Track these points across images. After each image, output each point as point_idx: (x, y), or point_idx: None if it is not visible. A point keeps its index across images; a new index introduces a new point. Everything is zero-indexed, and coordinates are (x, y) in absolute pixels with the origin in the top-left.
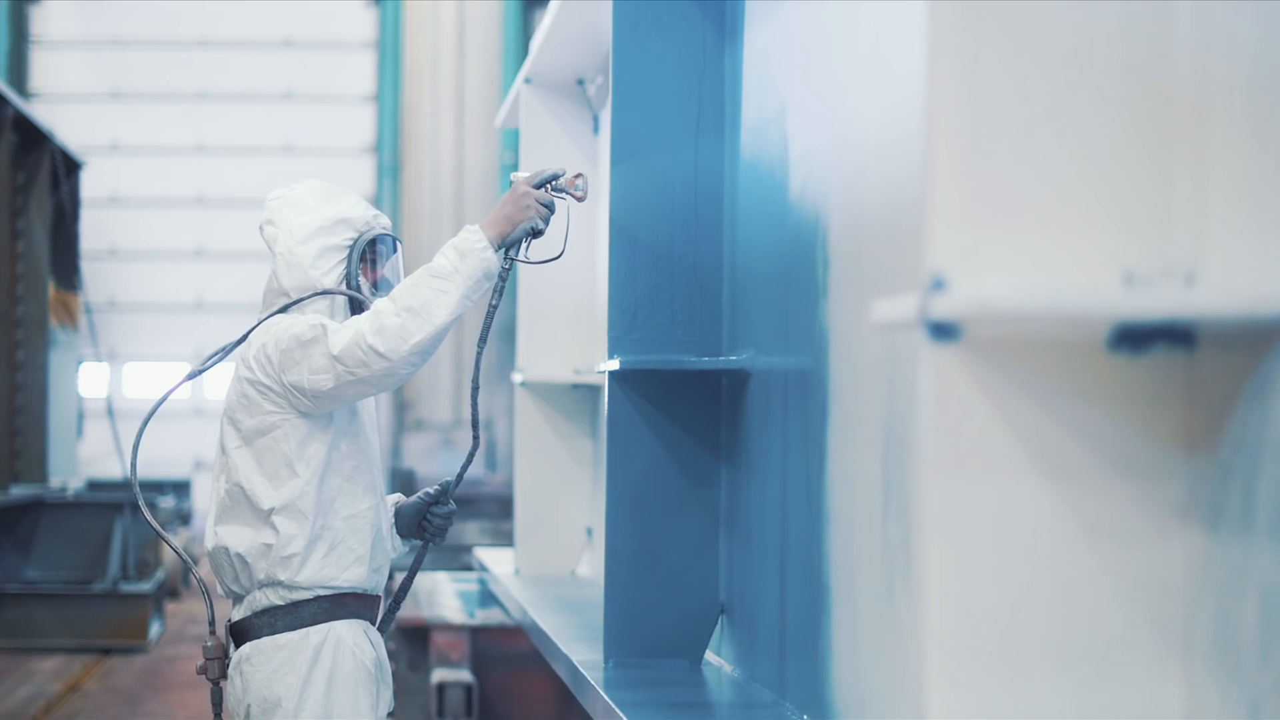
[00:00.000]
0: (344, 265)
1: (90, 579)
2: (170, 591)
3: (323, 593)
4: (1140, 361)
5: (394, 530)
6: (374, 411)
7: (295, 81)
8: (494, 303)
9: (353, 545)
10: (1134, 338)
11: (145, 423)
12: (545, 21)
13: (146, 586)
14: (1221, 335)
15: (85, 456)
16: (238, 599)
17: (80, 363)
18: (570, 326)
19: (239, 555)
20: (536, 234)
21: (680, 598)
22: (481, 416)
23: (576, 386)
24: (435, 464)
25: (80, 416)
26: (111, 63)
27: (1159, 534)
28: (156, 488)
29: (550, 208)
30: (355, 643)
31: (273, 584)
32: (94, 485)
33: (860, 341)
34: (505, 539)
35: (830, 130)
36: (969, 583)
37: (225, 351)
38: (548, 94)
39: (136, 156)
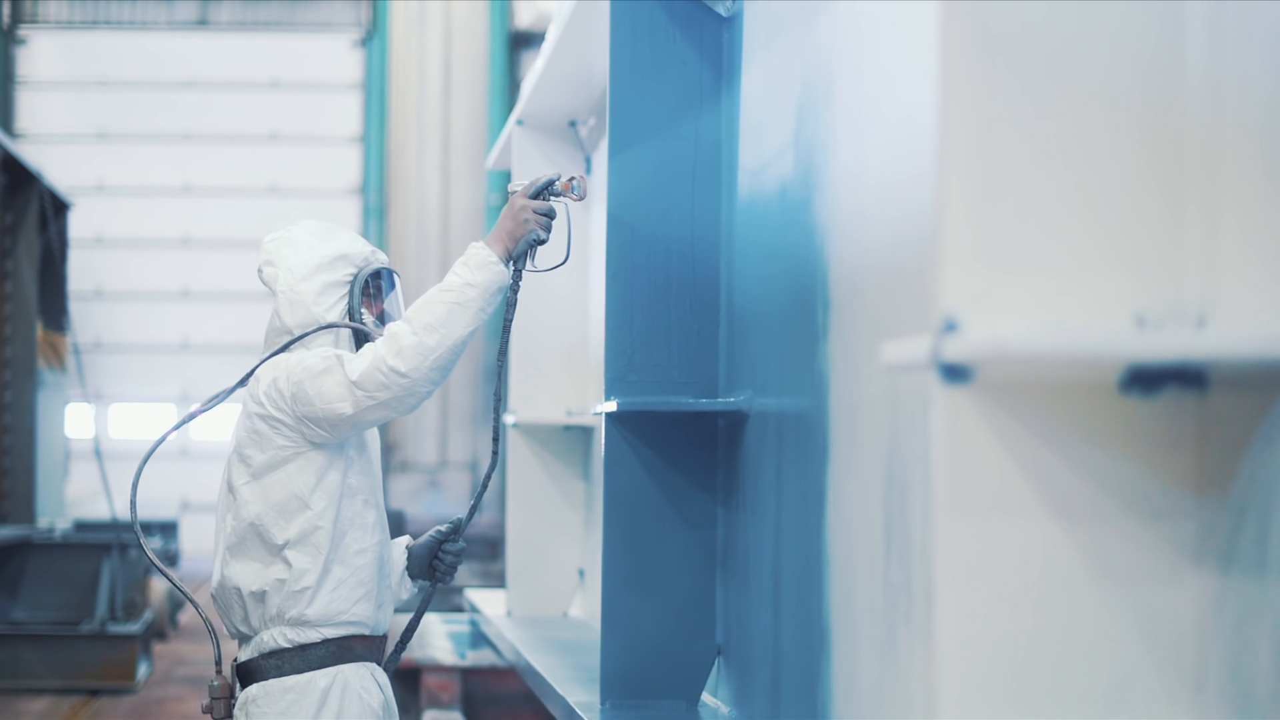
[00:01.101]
0: (346, 300)
1: (78, 620)
2: (158, 633)
3: (330, 633)
4: (1152, 403)
5: (405, 572)
6: (378, 451)
7: (281, 123)
8: (509, 317)
9: (362, 580)
10: (1146, 380)
11: (144, 463)
12: (538, 64)
13: (134, 628)
14: (1233, 377)
15: (72, 497)
16: (244, 639)
17: (66, 403)
18: (562, 368)
19: (251, 593)
20: (540, 243)
21: (677, 638)
22: (466, 458)
23: (568, 428)
24: (422, 505)
25: (66, 457)
26: (97, 104)
27: (1171, 575)
28: (144, 528)
29: (550, 215)
30: (363, 686)
31: (282, 622)
32: (81, 526)
33: (861, 383)
34: (494, 580)
35: (829, 172)
36: (981, 623)
37: (228, 392)
38: (540, 135)
39: (123, 197)
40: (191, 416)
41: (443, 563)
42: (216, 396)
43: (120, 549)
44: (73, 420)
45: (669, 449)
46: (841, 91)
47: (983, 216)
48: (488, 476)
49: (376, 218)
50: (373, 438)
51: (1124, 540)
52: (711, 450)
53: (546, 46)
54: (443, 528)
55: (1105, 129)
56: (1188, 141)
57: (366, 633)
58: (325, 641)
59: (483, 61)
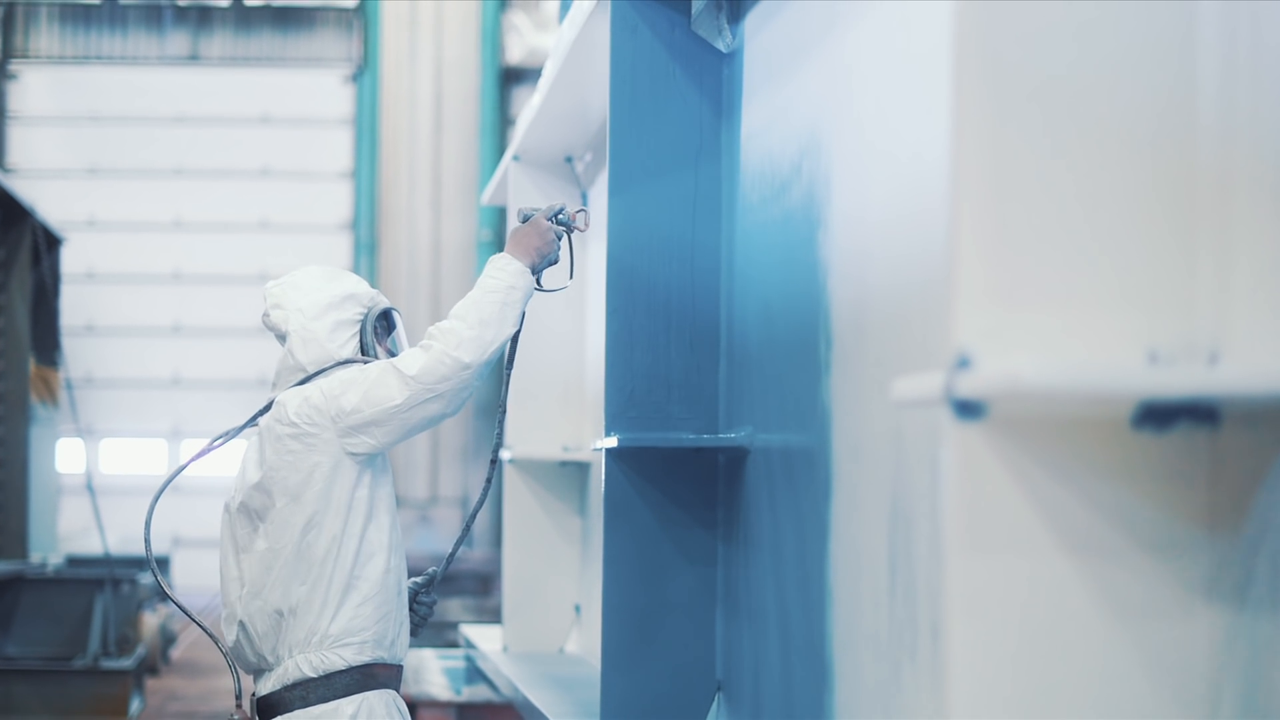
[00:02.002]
0: (358, 338)
1: (71, 655)
2: (150, 668)
3: (353, 658)
4: (1164, 439)
5: None
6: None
7: (272, 158)
8: (517, 330)
9: (385, 599)
10: (1158, 416)
11: (156, 498)
12: (535, 99)
13: (127, 663)
14: (1245, 413)
15: (63, 532)
16: (264, 672)
17: (58, 439)
18: (558, 404)
19: (283, 611)
20: (553, 264)
21: (677, 674)
22: (457, 493)
23: (564, 464)
24: (413, 540)
25: (57, 492)
26: (89, 139)
27: (1184, 611)
28: (135, 564)
29: (560, 239)
30: (388, 713)
31: (307, 647)
32: (73, 561)
33: (865, 418)
34: (487, 615)
35: (832, 208)
36: (994, 659)
37: (241, 428)
38: (536, 171)
39: (114, 232)
40: (205, 451)
41: (416, 614)
42: (230, 432)
43: (113, 584)
44: (64, 455)
45: (669, 485)
46: (844, 129)
47: (995, 252)
48: (485, 488)
49: (367, 253)
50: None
51: (1136, 576)
52: (712, 486)
53: (544, 82)
54: (419, 579)
55: (1117, 166)
56: (1200, 178)
57: (387, 659)
58: (349, 669)
59: (473, 97)
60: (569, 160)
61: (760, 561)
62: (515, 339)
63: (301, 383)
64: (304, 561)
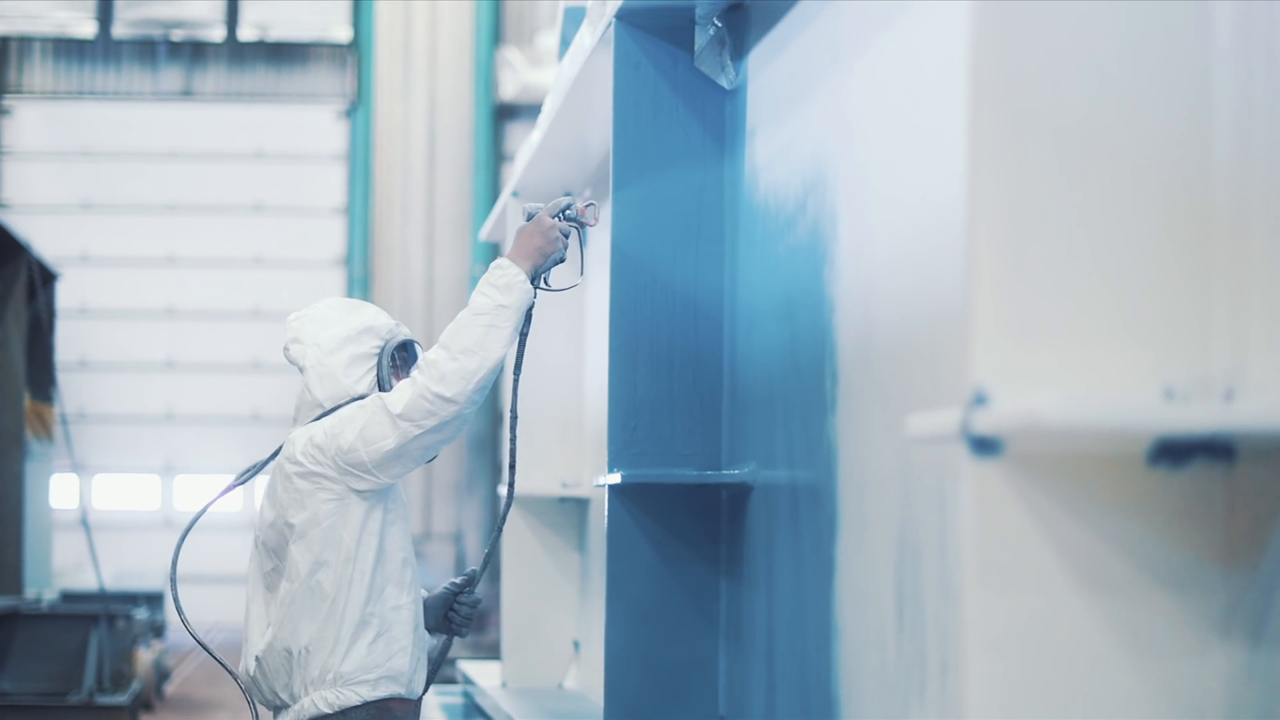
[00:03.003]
0: (374, 372)
1: (66, 690)
2: (145, 704)
3: (369, 694)
4: (1180, 475)
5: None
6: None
7: (266, 194)
8: (524, 331)
9: (398, 635)
10: (1174, 452)
11: (185, 533)
12: (534, 136)
13: (122, 699)
14: (1261, 449)
15: (57, 568)
16: (281, 709)
17: (52, 474)
18: (557, 440)
19: (299, 650)
20: (560, 262)
21: (679, 710)
22: (451, 529)
23: (563, 500)
24: None
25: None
26: (82, 174)
27: (1200, 647)
28: (129, 599)
29: (567, 236)
30: None
31: (323, 684)
32: (68, 596)
33: (871, 455)
34: (483, 651)
35: (837, 246)
36: (1011, 696)
37: (263, 464)
38: None
39: (107, 268)
40: (231, 487)
41: (458, 614)
42: (253, 467)
43: (108, 619)
44: (58, 491)
45: (672, 521)
46: (850, 166)
47: (1011, 289)
48: (506, 507)
49: (361, 289)
50: (405, 507)
51: (1153, 612)
52: (715, 522)
53: (543, 118)
54: (457, 580)
55: (1133, 203)
56: (1215, 215)
57: (404, 694)
58: (365, 705)
59: (467, 133)
60: (568, 196)
61: (764, 597)
62: (523, 341)
63: (318, 418)
64: (314, 599)
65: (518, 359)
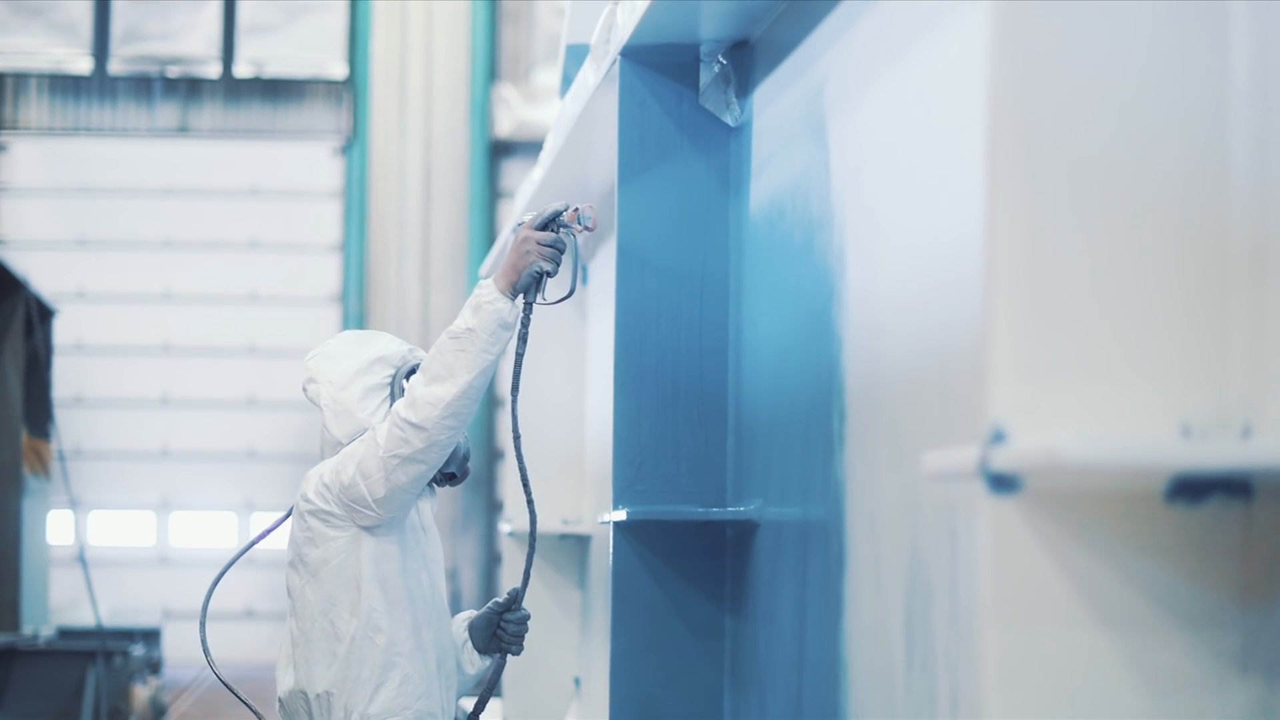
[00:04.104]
0: (388, 402)
1: None
2: None
3: None
4: (1197, 513)
5: (469, 647)
6: (439, 550)
7: (261, 230)
8: (520, 350)
9: (423, 675)
10: (1191, 489)
11: (221, 575)
12: (536, 173)
13: None
14: (1278, 487)
15: (53, 604)
16: None
17: (49, 510)
18: (558, 477)
19: (318, 695)
20: (547, 275)
21: None
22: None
23: (564, 537)
24: None
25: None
26: (78, 210)
27: (1217, 685)
28: (126, 635)
29: (558, 246)
30: None
31: None
32: (65, 633)
33: (880, 492)
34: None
35: (845, 282)
36: None
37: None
38: None
39: (103, 304)
40: (272, 528)
41: (506, 632)
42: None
43: (105, 656)
44: (55, 527)
45: (676, 558)
46: (858, 204)
47: (1029, 326)
48: (531, 541)
49: (356, 326)
50: (432, 536)
51: (1170, 650)
52: (719, 559)
53: (545, 155)
54: (500, 599)
55: (1149, 239)
56: (1232, 251)
57: None
58: None
59: (463, 170)
60: (569, 233)
61: (770, 634)
62: (519, 360)
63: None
64: (329, 641)
65: (515, 378)
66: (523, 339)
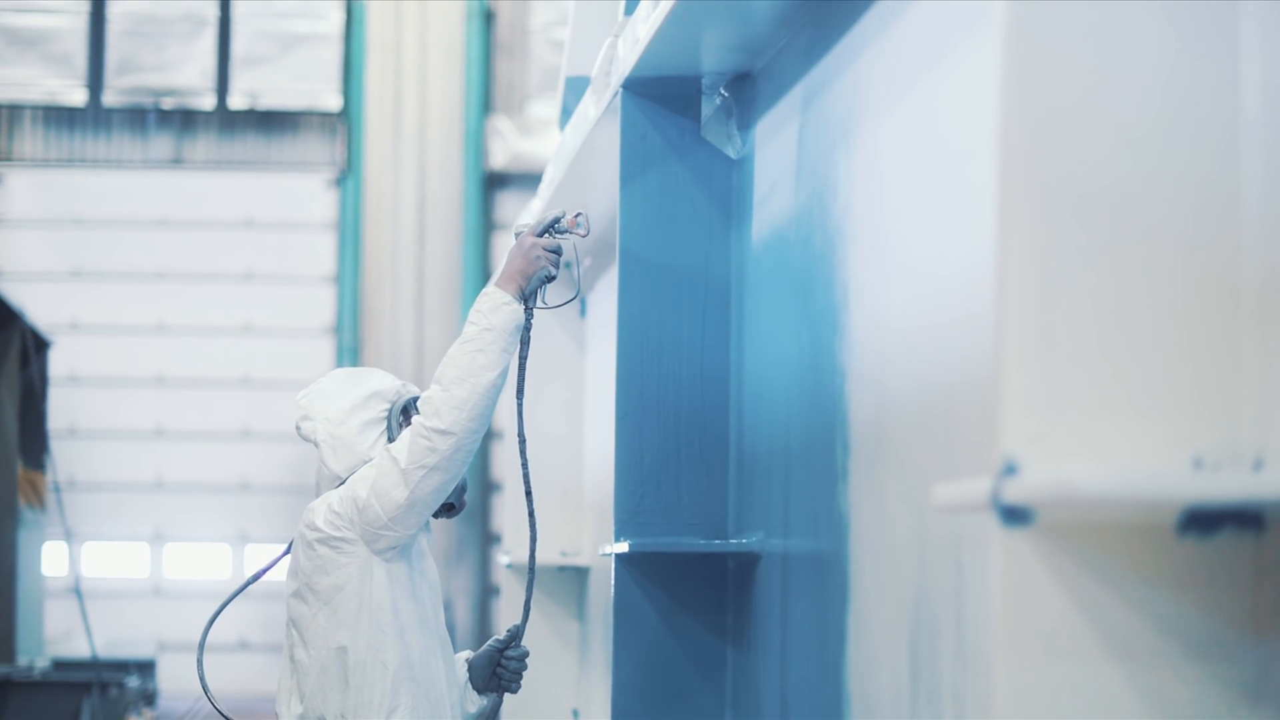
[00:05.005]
0: (385, 435)
1: None
2: None
3: None
4: (1209, 545)
5: (467, 686)
6: (439, 586)
7: (255, 262)
8: (523, 354)
9: (431, 702)
10: (1203, 521)
11: (220, 611)
12: (534, 204)
13: None
14: None
15: (48, 636)
16: None
17: (44, 542)
18: (557, 509)
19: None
20: (551, 280)
21: None
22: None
23: (563, 569)
24: None
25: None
26: (72, 242)
27: (1229, 716)
28: (121, 667)
29: (557, 252)
30: None
31: None
32: (60, 665)
33: (885, 524)
34: None
35: (849, 314)
36: None
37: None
38: None
39: (97, 336)
40: (275, 562)
41: (506, 670)
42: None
43: (100, 687)
44: (50, 558)
45: (678, 590)
46: (862, 236)
47: (1040, 359)
48: (532, 557)
49: (350, 357)
50: (430, 565)
51: (1182, 681)
52: (721, 591)
53: (544, 187)
54: (500, 636)
55: (1161, 272)
56: (1243, 284)
57: None
58: None
59: (457, 202)
60: (567, 265)
61: (772, 667)
62: (523, 363)
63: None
64: (342, 668)
65: (519, 384)
66: (525, 343)
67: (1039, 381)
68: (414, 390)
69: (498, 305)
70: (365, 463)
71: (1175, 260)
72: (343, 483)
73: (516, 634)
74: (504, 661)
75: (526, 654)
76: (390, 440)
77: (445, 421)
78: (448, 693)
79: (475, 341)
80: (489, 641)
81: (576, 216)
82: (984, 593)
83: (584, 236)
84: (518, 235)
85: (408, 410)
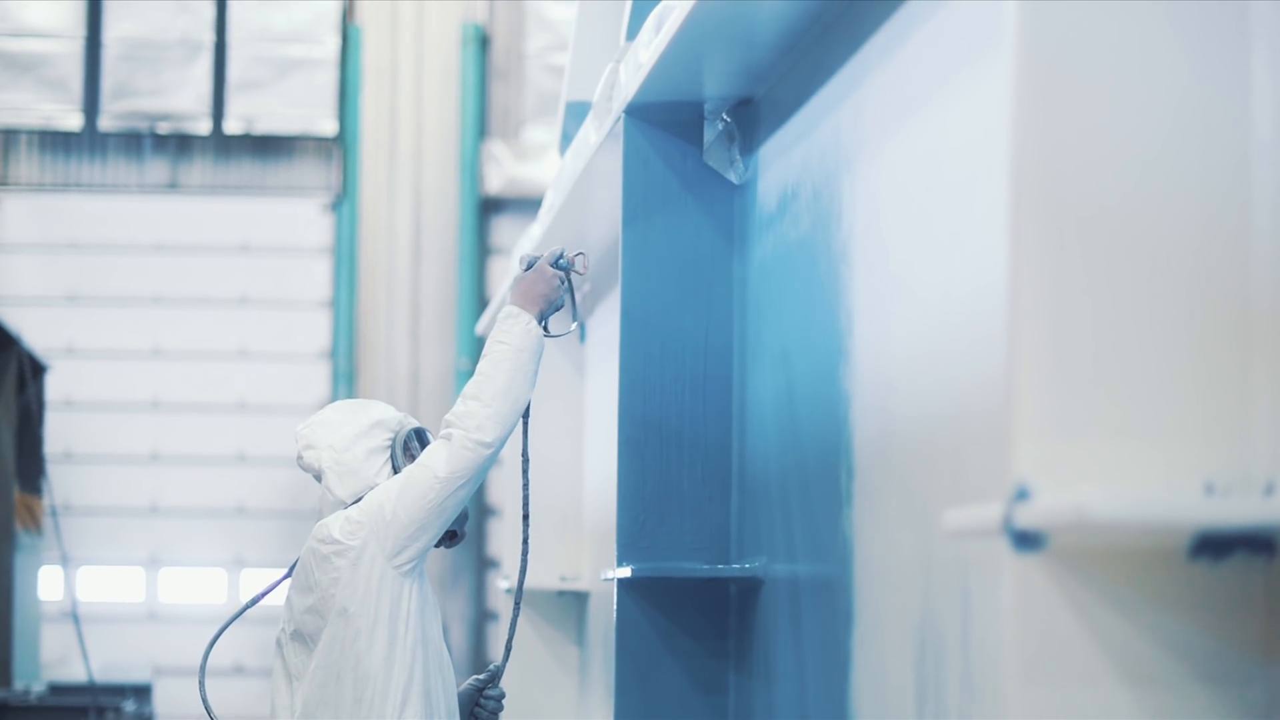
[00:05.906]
0: (389, 464)
1: None
2: None
3: None
4: (1220, 569)
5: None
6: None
7: (251, 286)
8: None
9: (439, 717)
10: (1214, 546)
11: (219, 634)
12: (535, 230)
13: None
14: None
15: (44, 660)
16: None
17: (40, 566)
18: (556, 534)
19: None
20: (559, 308)
21: None
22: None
23: (562, 593)
24: None
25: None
26: (68, 266)
27: None
28: (118, 692)
29: (563, 283)
30: None
31: None
32: (56, 689)
33: (890, 549)
34: None
35: (854, 339)
36: None
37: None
38: None
39: (92, 360)
40: (275, 585)
41: (484, 709)
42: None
43: (97, 712)
44: (46, 583)
45: (680, 615)
46: (866, 262)
47: (1052, 384)
48: (519, 590)
49: (345, 382)
50: (431, 594)
51: (1193, 706)
52: (723, 616)
53: (544, 213)
54: (481, 676)
55: (1172, 296)
56: (1254, 308)
57: None
58: None
59: (453, 227)
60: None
61: (775, 691)
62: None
63: None
64: (351, 681)
65: (526, 405)
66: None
67: (1050, 406)
68: (414, 422)
69: (529, 328)
70: (371, 489)
71: (1186, 284)
72: (347, 508)
73: (496, 674)
74: (482, 701)
75: (503, 694)
76: (395, 468)
77: (491, 435)
78: (450, 714)
79: (512, 360)
80: (469, 680)
81: (577, 255)
82: (993, 617)
83: (581, 274)
84: (531, 263)
85: (409, 444)
